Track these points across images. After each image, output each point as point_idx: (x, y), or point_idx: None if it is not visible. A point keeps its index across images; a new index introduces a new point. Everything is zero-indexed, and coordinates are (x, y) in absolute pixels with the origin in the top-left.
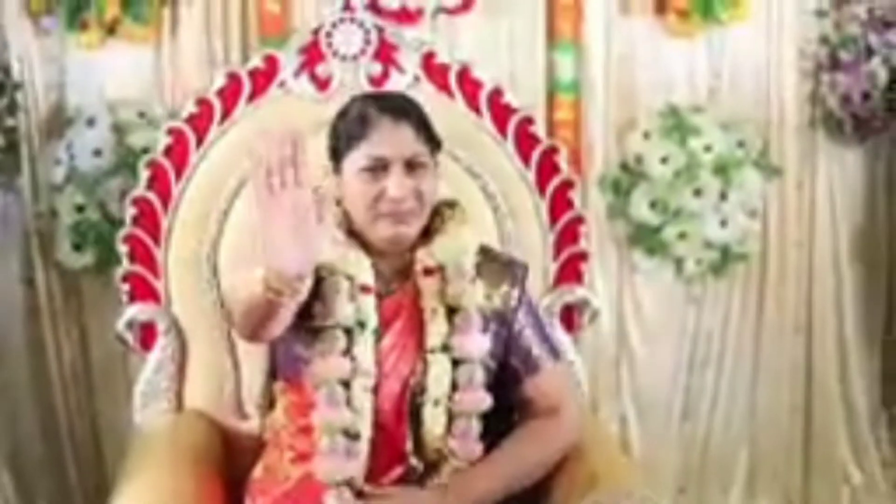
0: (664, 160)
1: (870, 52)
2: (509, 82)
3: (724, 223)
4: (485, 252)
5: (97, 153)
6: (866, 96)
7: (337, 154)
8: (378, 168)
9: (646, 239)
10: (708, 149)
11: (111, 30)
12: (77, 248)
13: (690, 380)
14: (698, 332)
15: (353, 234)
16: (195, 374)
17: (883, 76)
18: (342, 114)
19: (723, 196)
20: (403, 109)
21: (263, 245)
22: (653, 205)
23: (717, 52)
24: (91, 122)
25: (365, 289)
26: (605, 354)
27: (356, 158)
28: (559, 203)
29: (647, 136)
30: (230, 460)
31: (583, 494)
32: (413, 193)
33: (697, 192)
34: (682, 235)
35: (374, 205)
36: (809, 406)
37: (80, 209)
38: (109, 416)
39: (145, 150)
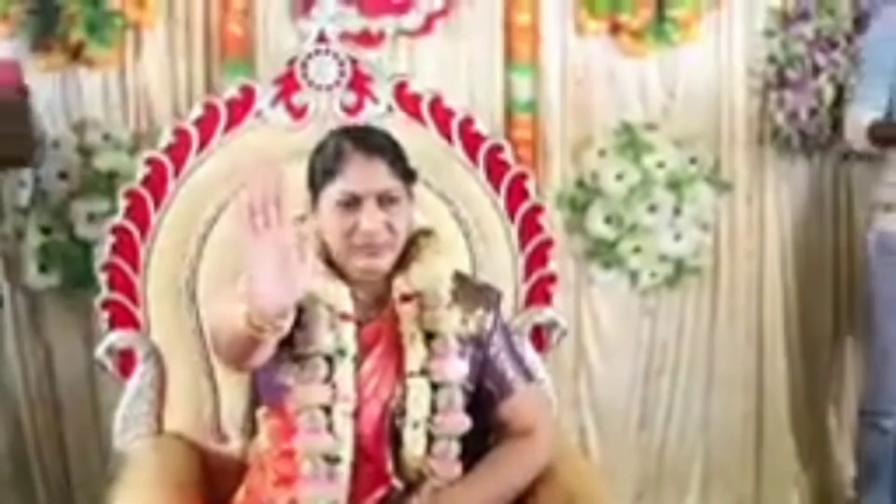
0: (619, 177)
1: (816, 70)
2: (469, 102)
3: (677, 237)
4: (460, 278)
5: (62, 176)
6: (813, 113)
7: (314, 188)
8: (351, 202)
9: (602, 253)
10: (661, 165)
11: (75, 53)
12: (43, 269)
13: (646, 390)
14: (653, 343)
15: (332, 264)
16: (175, 398)
17: (829, 93)
18: (319, 148)
19: (676, 211)
20: (377, 145)
21: (248, 283)
22: (608, 220)
23: (670, 72)
24: (56, 145)
25: (344, 317)
26: (564, 366)
27: (331, 193)
28: (529, 227)
29: (602, 153)
30: (211, 482)
31: None
32: (385, 227)
33: (652, 208)
34: (637, 249)
35: (349, 238)
36: (761, 413)
37: (46, 231)
38: (76, 436)
39: (111, 173)
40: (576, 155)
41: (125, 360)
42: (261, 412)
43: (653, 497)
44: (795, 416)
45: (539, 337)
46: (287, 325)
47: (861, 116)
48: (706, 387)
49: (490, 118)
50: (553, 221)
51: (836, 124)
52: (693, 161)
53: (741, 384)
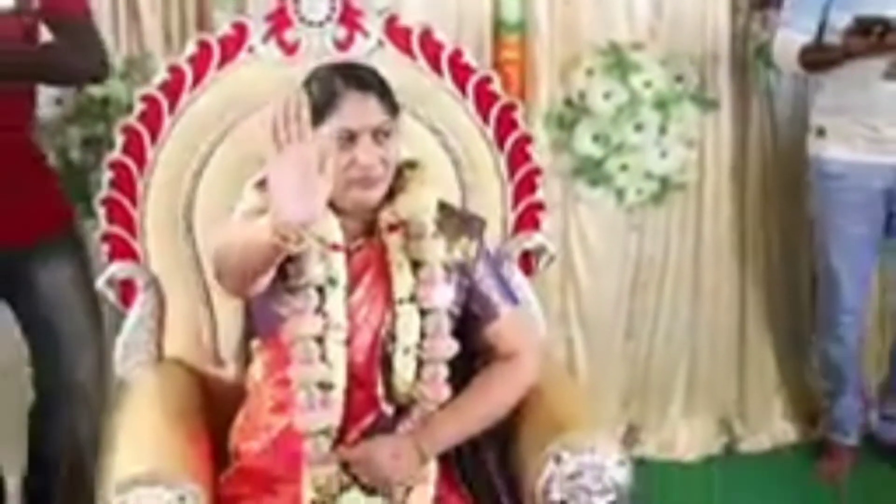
0: (607, 96)
1: None
2: (458, 24)
3: (663, 155)
4: (444, 208)
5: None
6: None
7: None
8: (346, 138)
9: (589, 171)
10: (648, 85)
11: None
12: None
13: (633, 303)
14: (640, 257)
15: None
16: (174, 325)
17: None
18: (307, 87)
19: (662, 130)
20: (368, 81)
21: (273, 195)
22: (596, 139)
23: None
24: None
25: (335, 247)
26: (552, 281)
27: (325, 129)
28: (517, 157)
29: (590, 73)
30: (210, 406)
31: (548, 438)
32: (380, 160)
33: (638, 127)
34: (623, 167)
35: (345, 172)
36: (744, 325)
37: None
38: None
39: (105, 99)
40: (564, 74)
41: (126, 290)
42: (255, 343)
43: (639, 405)
44: (777, 328)
45: (528, 262)
46: (309, 236)
47: (791, 40)
48: (691, 300)
49: (479, 39)
50: (540, 140)
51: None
52: (679, 80)
53: (725, 297)
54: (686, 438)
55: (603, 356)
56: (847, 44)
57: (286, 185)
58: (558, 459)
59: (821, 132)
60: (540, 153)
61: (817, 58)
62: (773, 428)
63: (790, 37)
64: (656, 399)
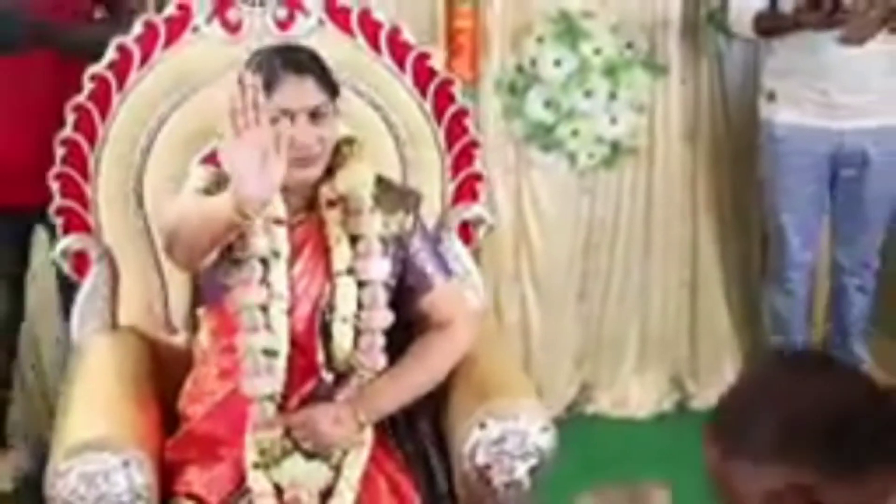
0: (557, 63)
1: None
2: None
3: (613, 120)
4: (382, 182)
5: None
6: None
7: None
8: (281, 118)
9: (541, 136)
10: (598, 52)
11: None
12: None
13: (585, 264)
14: (592, 220)
15: None
16: (127, 294)
17: None
18: (248, 69)
19: (612, 96)
20: (306, 63)
21: (233, 176)
22: (547, 105)
23: None
24: None
25: (277, 221)
26: (506, 243)
27: (266, 109)
28: (455, 130)
29: (540, 40)
30: (163, 372)
31: (475, 405)
32: (317, 140)
33: (588, 93)
34: (574, 133)
35: (283, 150)
36: (695, 284)
37: None
38: None
39: None
40: (515, 42)
41: (79, 261)
42: (201, 311)
43: (592, 364)
44: (727, 286)
45: (467, 231)
46: (265, 212)
47: (746, 8)
48: (642, 260)
49: (432, 9)
50: (493, 106)
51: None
52: (629, 46)
53: (676, 258)
54: (638, 396)
55: (556, 316)
56: (797, 17)
57: (246, 166)
58: (483, 425)
59: (771, 96)
60: (493, 119)
61: (770, 25)
62: (725, 384)
63: (746, 3)
64: (609, 358)
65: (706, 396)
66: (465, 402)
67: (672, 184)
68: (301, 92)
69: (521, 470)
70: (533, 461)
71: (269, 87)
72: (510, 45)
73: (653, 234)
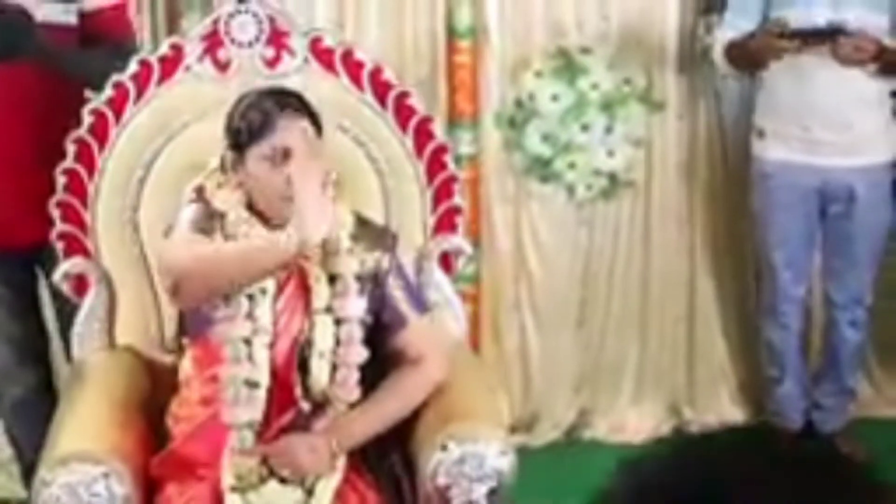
0: (555, 98)
1: None
2: (413, 29)
3: (610, 153)
4: (360, 221)
5: None
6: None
7: (239, 146)
8: (279, 157)
9: (539, 169)
10: (595, 87)
11: None
12: None
13: (584, 293)
14: (590, 250)
15: (254, 211)
16: (125, 315)
17: None
18: (241, 112)
19: (608, 130)
20: (298, 104)
21: (301, 216)
22: (545, 138)
23: None
24: None
25: None
26: (505, 272)
27: (263, 149)
28: (434, 165)
29: (539, 75)
30: (157, 390)
31: (441, 428)
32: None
33: (585, 127)
34: (571, 165)
35: (284, 188)
36: (692, 316)
37: None
38: None
39: None
40: (514, 77)
41: (79, 284)
42: (186, 340)
43: (590, 390)
44: (724, 317)
45: (447, 262)
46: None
47: (721, 39)
48: (640, 291)
49: (433, 44)
50: (492, 138)
51: None
52: (627, 82)
53: (673, 289)
54: (636, 422)
55: (555, 343)
56: (761, 39)
57: (312, 206)
58: (444, 447)
59: (761, 133)
60: (493, 152)
61: (738, 54)
62: (722, 412)
63: (723, 36)
64: (607, 384)
65: (703, 423)
66: (432, 426)
67: (669, 217)
68: (298, 131)
69: (479, 492)
70: (491, 483)
71: (264, 127)
72: (509, 79)
73: (650, 265)
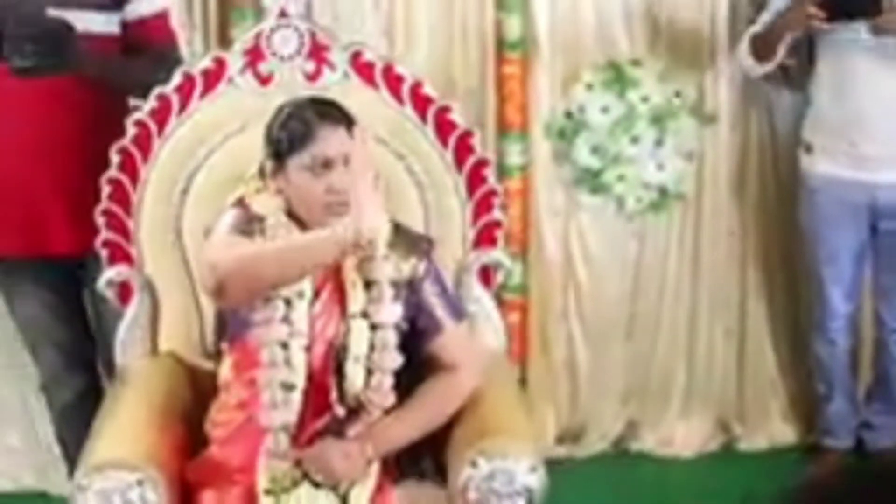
0: (604, 110)
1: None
2: (462, 41)
3: (660, 166)
4: (396, 228)
5: None
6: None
7: (279, 155)
8: (321, 166)
9: (588, 181)
10: (645, 99)
11: None
12: None
13: (633, 306)
14: (640, 263)
15: (292, 217)
16: (168, 322)
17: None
18: (281, 122)
19: (659, 143)
20: (338, 114)
21: (358, 210)
22: (594, 150)
23: (656, 9)
24: None
25: None
26: (554, 283)
27: (303, 159)
28: (475, 179)
29: (589, 87)
30: (198, 394)
31: (472, 443)
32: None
33: (634, 140)
34: (621, 178)
35: (324, 197)
36: (742, 329)
37: None
38: None
39: None
40: (564, 88)
41: (123, 291)
42: (224, 345)
43: (638, 403)
44: (774, 332)
45: (487, 275)
46: None
47: (749, 33)
48: (690, 304)
49: (483, 55)
50: (542, 150)
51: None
52: (677, 94)
53: (723, 303)
54: (684, 435)
55: (603, 355)
56: (784, 18)
57: (368, 201)
58: (474, 463)
59: (808, 148)
60: (543, 163)
61: (761, 40)
62: (772, 429)
63: (750, 31)
64: (656, 397)
65: (753, 440)
66: (463, 440)
67: (719, 230)
68: (338, 141)
69: None
70: (521, 500)
71: (305, 137)
72: (559, 91)
73: (700, 278)
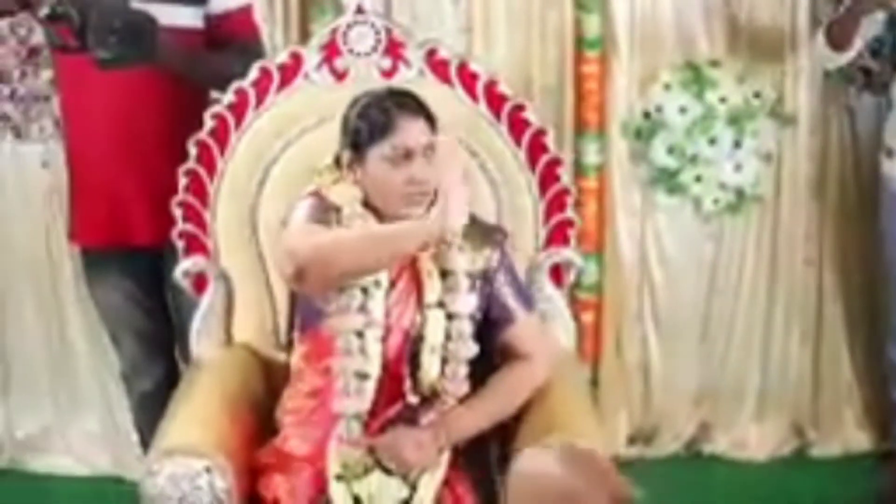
0: (682, 110)
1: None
2: (541, 39)
3: (737, 168)
4: (471, 219)
5: None
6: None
7: (358, 146)
8: (401, 157)
9: (665, 181)
10: (723, 100)
11: None
12: None
13: (708, 307)
14: (716, 265)
15: (368, 207)
16: (241, 313)
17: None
18: (360, 111)
19: (736, 144)
20: (418, 105)
21: (446, 204)
22: (671, 150)
23: (736, 9)
24: None
25: None
26: (629, 283)
27: (383, 149)
28: (548, 178)
29: (667, 87)
30: (270, 384)
31: (537, 436)
32: (431, 177)
33: (712, 141)
34: (698, 178)
35: (404, 188)
36: (819, 333)
37: None
38: None
39: None
40: (642, 88)
41: (199, 281)
42: (296, 335)
43: (711, 405)
44: (851, 338)
45: (558, 274)
46: None
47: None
48: (765, 307)
49: (561, 54)
50: (619, 148)
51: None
52: (757, 96)
53: (799, 307)
54: (757, 439)
55: (677, 357)
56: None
57: (455, 196)
58: None
59: (890, 153)
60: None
61: (837, 27)
62: (846, 435)
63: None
64: (729, 399)
65: (826, 445)
66: (529, 433)
67: (797, 233)
68: (418, 132)
69: None
70: None
71: (385, 127)
72: (637, 91)
73: (776, 281)
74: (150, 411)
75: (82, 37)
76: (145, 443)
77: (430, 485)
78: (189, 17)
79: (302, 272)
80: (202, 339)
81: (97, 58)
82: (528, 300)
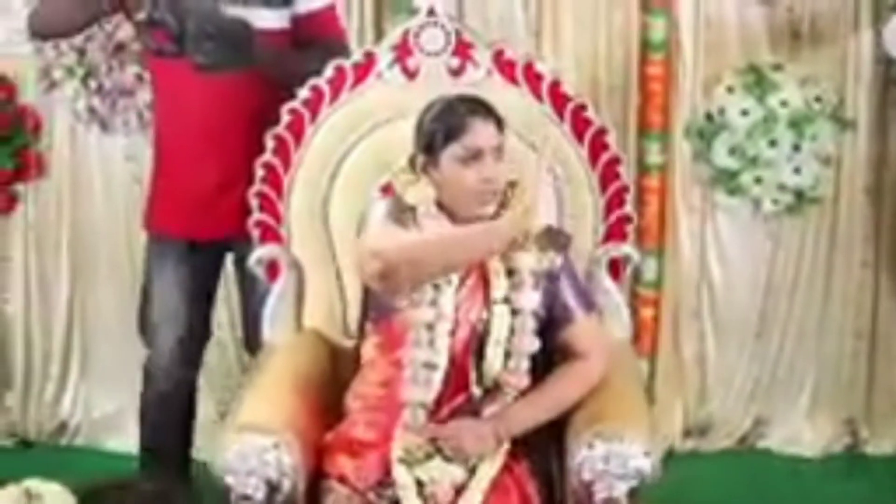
0: (744, 113)
1: None
2: (607, 42)
3: (797, 170)
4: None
5: None
6: None
7: (432, 148)
8: (472, 157)
9: (726, 181)
10: (784, 104)
11: None
12: None
13: (765, 305)
14: (773, 264)
15: (442, 208)
16: (311, 300)
17: None
18: (434, 116)
19: (796, 147)
20: (487, 109)
21: (536, 210)
22: (732, 152)
23: (798, 14)
24: None
25: None
26: (688, 280)
27: (455, 151)
28: (608, 175)
29: (730, 90)
30: (338, 370)
31: (591, 425)
32: (501, 177)
33: (772, 143)
34: (758, 180)
35: (476, 186)
36: (874, 334)
37: None
38: None
39: None
40: (706, 91)
41: (272, 269)
42: (369, 325)
43: (765, 401)
44: None
45: (616, 269)
46: None
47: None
48: (821, 307)
49: (627, 57)
50: (682, 149)
51: None
52: (818, 99)
53: (855, 307)
54: (811, 435)
55: (733, 353)
56: None
57: (540, 203)
58: (591, 445)
59: None
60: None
61: None
62: None
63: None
64: (783, 395)
65: (879, 443)
66: (584, 422)
67: (855, 236)
68: (489, 133)
69: (621, 489)
70: (632, 482)
71: (458, 130)
72: (701, 93)
73: (833, 281)
74: (161, 413)
75: (180, 42)
76: (145, 443)
77: (488, 471)
78: (277, 20)
79: (386, 273)
80: (274, 323)
81: (196, 63)
82: (588, 302)
